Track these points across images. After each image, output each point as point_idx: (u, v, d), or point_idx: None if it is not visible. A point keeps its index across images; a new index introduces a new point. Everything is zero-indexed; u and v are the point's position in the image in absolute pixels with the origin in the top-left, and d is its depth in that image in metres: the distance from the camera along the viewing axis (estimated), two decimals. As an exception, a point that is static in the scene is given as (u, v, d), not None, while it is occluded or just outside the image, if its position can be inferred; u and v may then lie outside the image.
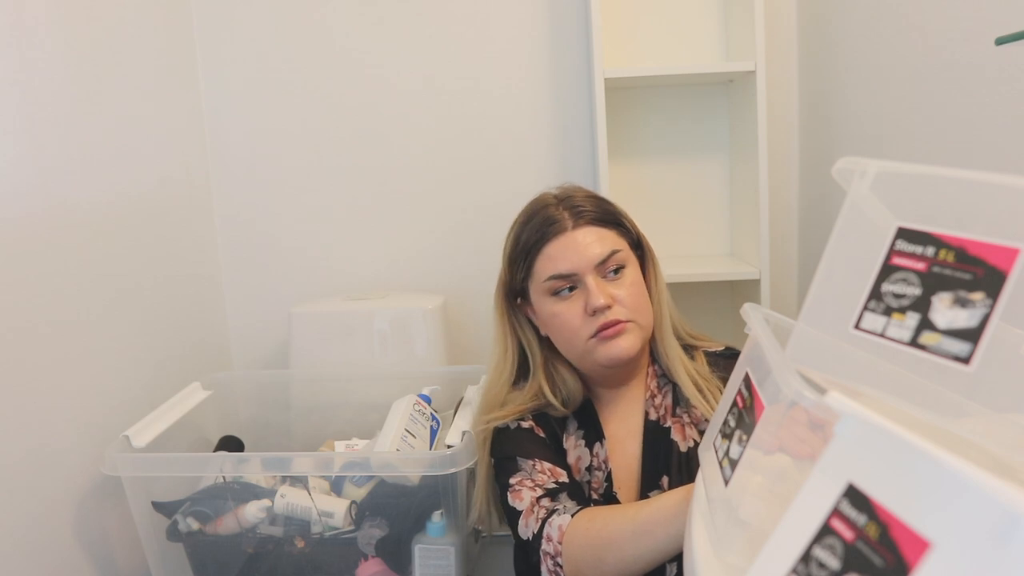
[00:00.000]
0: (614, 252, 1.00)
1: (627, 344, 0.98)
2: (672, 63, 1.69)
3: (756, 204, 1.56)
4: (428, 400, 1.32)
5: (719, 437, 0.59)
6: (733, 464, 0.53)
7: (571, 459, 1.05)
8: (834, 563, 0.34)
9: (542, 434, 1.05)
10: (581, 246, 0.99)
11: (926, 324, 0.40)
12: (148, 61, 1.54)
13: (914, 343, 0.40)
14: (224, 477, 1.19)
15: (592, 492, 1.03)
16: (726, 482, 0.54)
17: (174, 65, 1.66)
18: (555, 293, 1.01)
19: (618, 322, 0.98)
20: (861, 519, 0.34)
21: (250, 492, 1.18)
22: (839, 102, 1.53)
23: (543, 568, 0.91)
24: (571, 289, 1.00)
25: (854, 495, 0.35)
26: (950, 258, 0.39)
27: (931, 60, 1.17)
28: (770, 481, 0.52)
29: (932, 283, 0.40)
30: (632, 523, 0.83)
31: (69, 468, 1.19)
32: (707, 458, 0.62)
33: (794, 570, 0.36)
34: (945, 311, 0.39)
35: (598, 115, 1.55)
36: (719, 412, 0.63)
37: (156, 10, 1.58)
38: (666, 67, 1.57)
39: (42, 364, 1.15)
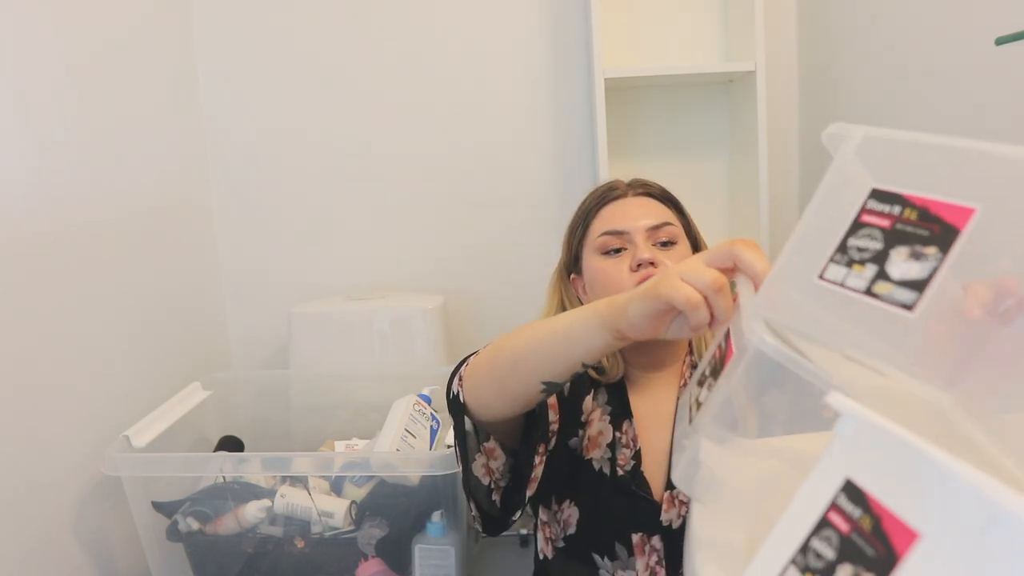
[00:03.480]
0: (667, 223, 1.03)
1: None
2: (672, 63, 1.70)
3: (756, 204, 1.56)
4: (428, 400, 1.33)
5: (694, 385, 0.63)
6: (699, 406, 0.58)
7: (592, 431, 1.04)
8: (830, 553, 0.35)
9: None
10: (637, 210, 1.04)
11: (882, 275, 0.43)
12: (148, 62, 1.54)
13: (868, 292, 0.43)
14: (224, 477, 1.19)
15: (618, 468, 1.03)
16: (690, 421, 0.58)
17: (174, 65, 1.67)
18: (605, 252, 1.04)
19: None
20: (856, 512, 0.35)
21: (250, 492, 1.19)
22: (839, 102, 1.53)
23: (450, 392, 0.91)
24: (620, 251, 1.03)
25: (851, 490, 0.36)
26: (913, 216, 0.43)
27: (931, 60, 1.17)
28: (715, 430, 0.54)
29: (893, 238, 0.43)
30: (552, 324, 0.80)
31: (69, 468, 1.19)
32: (684, 404, 0.67)
33: (793, 560, 0.37)
34: (900, 263, 0.42)
35: (598, 115, 1.56)
36: (700, 364, 0.65)
37: (156, 11, 1.59)
38: (666, 67, 1.58)
39: (42, 364, 1.16)
